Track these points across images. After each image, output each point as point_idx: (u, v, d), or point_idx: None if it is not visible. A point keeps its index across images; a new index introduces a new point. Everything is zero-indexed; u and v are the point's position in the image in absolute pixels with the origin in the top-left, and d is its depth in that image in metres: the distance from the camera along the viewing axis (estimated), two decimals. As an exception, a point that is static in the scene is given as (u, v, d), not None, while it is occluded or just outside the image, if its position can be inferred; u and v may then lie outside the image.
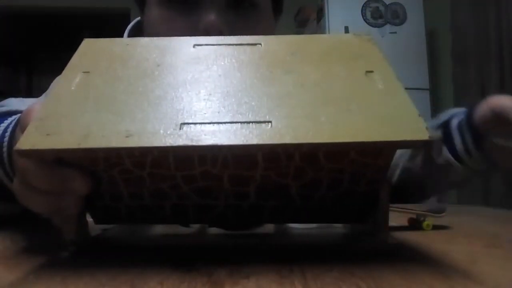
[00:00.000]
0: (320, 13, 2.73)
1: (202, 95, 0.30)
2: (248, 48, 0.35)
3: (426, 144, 0.26)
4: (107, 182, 0.30)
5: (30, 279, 0.25)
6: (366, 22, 2.59)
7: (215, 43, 0.36)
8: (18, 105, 0.49)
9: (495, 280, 0.24)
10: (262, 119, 0.28)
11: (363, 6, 2.61)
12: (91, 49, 0.36)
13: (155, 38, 0.37)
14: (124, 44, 0.36)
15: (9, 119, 0.41)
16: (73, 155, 0.28)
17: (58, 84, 0.32)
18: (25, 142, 0.27)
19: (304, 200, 0.32)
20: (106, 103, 0.30)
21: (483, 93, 2.31)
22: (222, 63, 0.34)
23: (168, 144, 0.26)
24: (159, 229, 0.44)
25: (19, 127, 0.33)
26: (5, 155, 0.38)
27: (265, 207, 0.32)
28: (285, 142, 0.26)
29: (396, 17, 2.60)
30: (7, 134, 0.38)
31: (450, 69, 2.48)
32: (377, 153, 0.29)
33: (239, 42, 0.36)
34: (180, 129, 0.27)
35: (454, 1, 2.47)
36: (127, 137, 0.26)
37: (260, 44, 0.36)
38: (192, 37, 0.37)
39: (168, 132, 0.27)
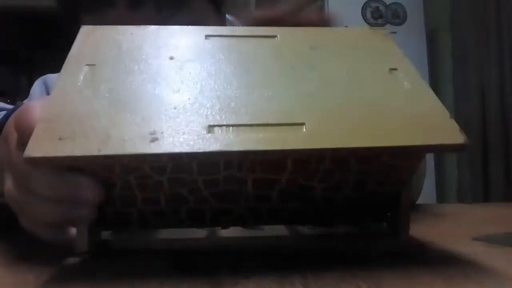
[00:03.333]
0: (320, 13, 2.73)
1: (228, 91, 0.28)
2: (264, 40, 0.34)
3: (461, 148, 0.26)
4: (120, 188, 0.27)
5: (30, 280, 0.25)
6: (366, 22, 2.58)
7: (227, 34, 0.34)
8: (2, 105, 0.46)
9: (495, 280, 0.24)
10: (295, 121, 0.26)
11: (363, 6, 2.60)
12: (91, 38, 0.32)
13: (161, 27, 0.34)
14: (128, 33, 0.33)
15: None
16: (92, 163, 0.25)
17: (61, 80, 0.28)
18: (35, 148, 0.23)
19: (326, 201, 0.30)
20: (121, 100, 0.27)
21: (483, 94, 2.31)
22: (241, 57, 0.32)
23: (197, 150, 0.24)
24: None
25: (14, 126, 0.28)
26: None
27: (285, 209, 0.31)
28: (322, 147, 0.25)
29: (396, 17, 2.60)
30: None
31: (450, 69, 2.47)
32: (408, 155, 0.28)
33: (253, 34, 0.34)
34: (208, 132, 0.25)
35: (454, 1, 2.47)
36: (152, 141, 0.24)
37: (276, 36, 0.34)
38: (202, 27, 0.35)
39: (197, 136, 0.25)
